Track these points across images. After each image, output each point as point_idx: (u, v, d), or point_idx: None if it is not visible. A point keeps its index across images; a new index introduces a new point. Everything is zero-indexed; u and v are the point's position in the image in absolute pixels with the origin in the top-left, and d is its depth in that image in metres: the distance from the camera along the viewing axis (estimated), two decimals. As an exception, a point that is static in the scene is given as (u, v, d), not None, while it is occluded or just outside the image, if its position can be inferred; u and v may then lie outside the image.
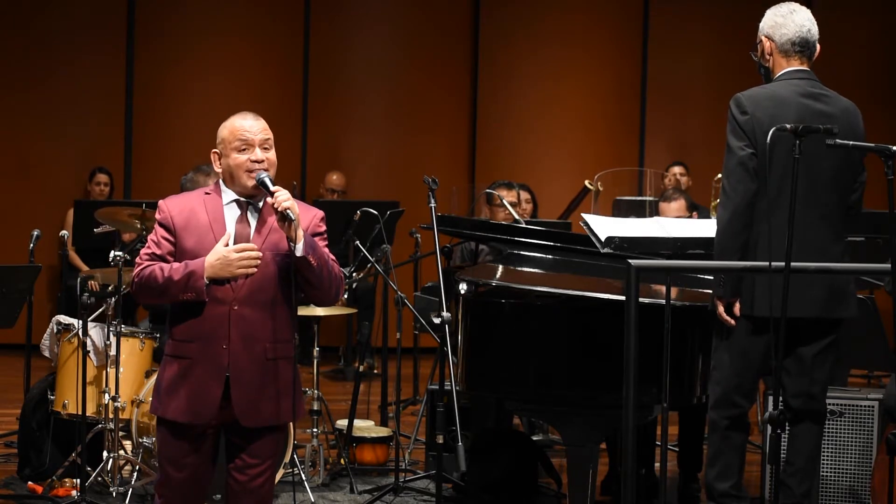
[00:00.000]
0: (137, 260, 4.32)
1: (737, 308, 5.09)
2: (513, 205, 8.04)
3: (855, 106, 5.22)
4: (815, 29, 5.18)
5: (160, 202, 4.40)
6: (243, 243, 4.25)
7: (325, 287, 4.33)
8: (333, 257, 4.41)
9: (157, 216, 4.36)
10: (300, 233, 4.19)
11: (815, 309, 5.06)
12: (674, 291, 5.56)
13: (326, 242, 4.41)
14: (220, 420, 4.32)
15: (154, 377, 6.31)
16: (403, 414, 8.23)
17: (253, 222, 4.31)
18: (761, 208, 5.03)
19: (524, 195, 9.15)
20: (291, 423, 6.24)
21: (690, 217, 7.47)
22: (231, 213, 4.32)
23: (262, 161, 4.28)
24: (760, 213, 5.04)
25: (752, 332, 5.07)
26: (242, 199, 4.31)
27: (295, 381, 4.38)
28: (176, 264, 4.25)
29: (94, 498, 6.22)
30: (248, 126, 4.31)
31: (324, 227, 4.40)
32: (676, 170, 11.12)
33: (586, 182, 9.67)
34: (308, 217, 4.36)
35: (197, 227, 4.30)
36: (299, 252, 4.19)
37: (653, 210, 8.76)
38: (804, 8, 5.23)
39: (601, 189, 9.64)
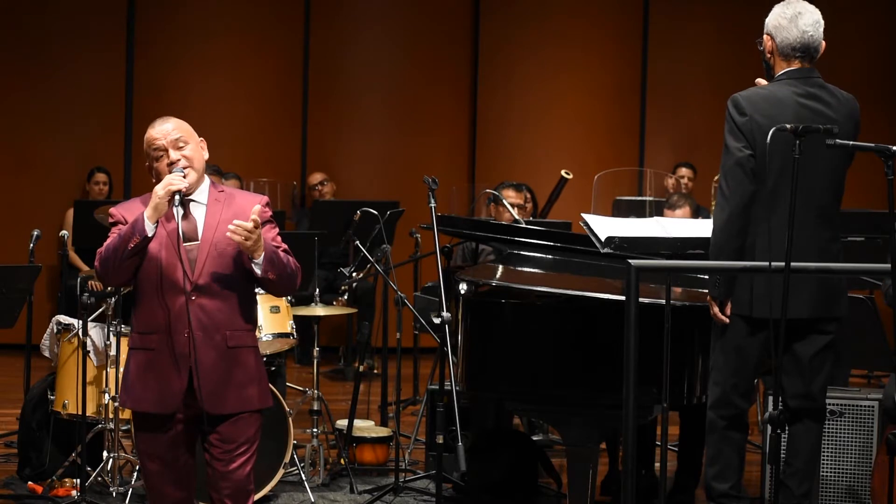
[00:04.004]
0: (98, 252, 4.39)
1: (728, 308, 5.09)
2: (519, 206, 8.04)
3: (854, 100, 5.21)
4: (818, 32, 5.14)
5: (111, 210, 4.51)
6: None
7: (281, 289, 4.55)
8: (285, 246, 4.49)
9: (110, 221, 4.45)
10: (259, 246, 4.31)
11: (810, 309, 5.06)
12: (677, 291, 5.58)
13: (276, 229, 4.50)
14: (190, 413, 4.36)
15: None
16: (403, 414, 8.23)
17: (200, 217, 4.40)
18: (757, 210, 5.02)
19: (527, 195, 9.15)
20: (290, 422, 6.29)
21: (694, 221, 7.46)
22: (177, 212, 4.36)
23: (179, 160, 4.39)
24: (758, 215, 5.03)
25: (748, 332, 5.07)
26: (181, 196, 4.35)
27: (258, 368, 4.44)
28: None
29: (94, 498, 6.23)
30: (156, 133, 4.45)
31: (269, 213, 4.49)
32: (684, 171, 11.12)
33: (563, 172, 9.65)
34: (252, 206, 4.43)
35: None
36: (259, 272, 4.35)
37: (653, 210, 8.76)
38: (812, 9, 5.15)
39: (569, 176, 9.61)
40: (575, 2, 11.96)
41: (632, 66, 12.04)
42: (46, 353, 6.79)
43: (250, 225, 4.25)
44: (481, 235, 6.59)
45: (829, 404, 5.52)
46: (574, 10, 11.91)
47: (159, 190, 4.30)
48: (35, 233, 7.32)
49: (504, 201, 7.73)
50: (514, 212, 7.57)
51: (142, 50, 11.37)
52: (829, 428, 5.77)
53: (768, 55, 5.22)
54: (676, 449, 6.59)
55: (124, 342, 6.40)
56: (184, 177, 4.34)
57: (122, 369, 6.32)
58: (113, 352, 6.35)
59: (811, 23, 5.12)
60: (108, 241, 4.36)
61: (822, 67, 5.22)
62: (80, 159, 11.09)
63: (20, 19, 11.18)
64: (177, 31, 11.45)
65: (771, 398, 5.29)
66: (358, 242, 7.03)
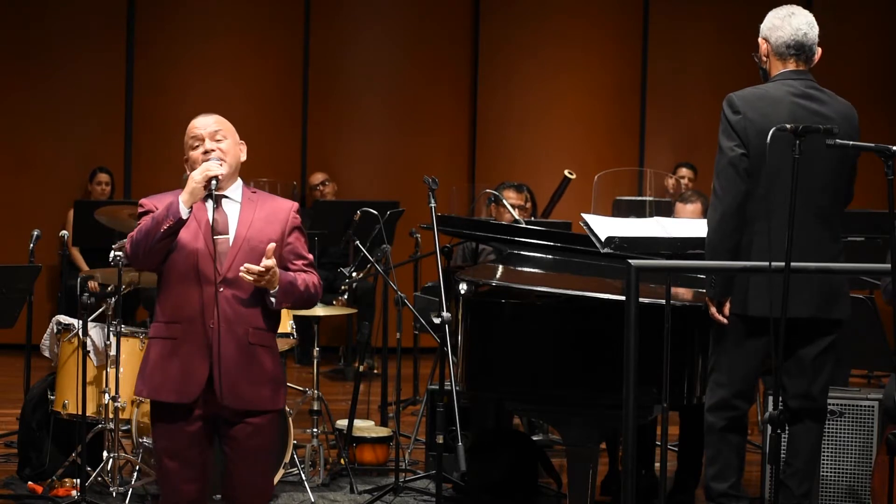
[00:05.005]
0: (129, 236, 4.42)
1: (726, 308, 5.09)
2: (520, 207, 8.04)
3: (852, 107, 5.21)
4: (812, 33, 5.15)
5: (141, 200, 4.52)
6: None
7: (299, 308, 4.80)
8: (310, 257, 4.54)
9: (140, 210, 4.47)
10: (273, 282, 4.35)
11: (810, 309, 5.05)
12: (682, 291, 5.58)
13: (304, 237, 4.55)
14: (209, 409, 4.37)
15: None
16: (403, 414, 8.23)
17: (233, 213, 4.44)
18: (754, 209, 5.02)
19: (527, 196, 9.14)
20: (290, 423, 6.29)
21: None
22: (209, 207, 4.42)
23: (214, 150, 4.45)
24: (753, 214, 5.03)
25: (748, 333, 5.06)
26: (215, 192, 4.39)
27: (274, 371, 4.47)
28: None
29: (94, 498, 6.22)
30: (197, 123, 4.53)
31: (299, 220, 4.55)
32: (684, 171, 11.11)
33: (566, 172, 9.65)
34: (284, 210, 4.51)
35: None
36: (273, 303, 4.39)
37: (653, 210, 8.75)
38: (805, 11, 5.19)
39: (572, 176, 9.59)
40: (575, 2, 11.96)
41: (632, 66, 12.04)
42: (46, 353, 6.79)
43: (261, 269, 4.28)
44: (481, 235, 6.59)
45: (829, 404, 5.52)
46: (574, 10, 11.91)
47: (196, 175, 4.34)
48: (35, 233, 7.32)
49: (504, 201, 7.73)
50: (515, 212, 7.57)
51: (142, 50, 11.36)
52: (829, 428, 5.77)
53: (764, 59, 5.23)
54: (676, 449, 6.59)
55: (124, 342, 6.40)
56: (219, 165, 4.38)
57: (122, 369, 6.35)
58: (113, 352, 6.34)
59: (805, 22, 5.15)
60: (141, 224, 4.38)
61: (822, 67, 5.23)
62: (81, 159, 11.09)
63: (20, 19, 11.17)
64: (177, 31, 11.45)
65: (771, 398, 5.29)
66: (358, 242, 7.03)
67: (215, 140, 4.46)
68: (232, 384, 4.33)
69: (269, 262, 4.29)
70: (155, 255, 4.35)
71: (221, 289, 4.34)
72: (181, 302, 4.37)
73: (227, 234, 4.41)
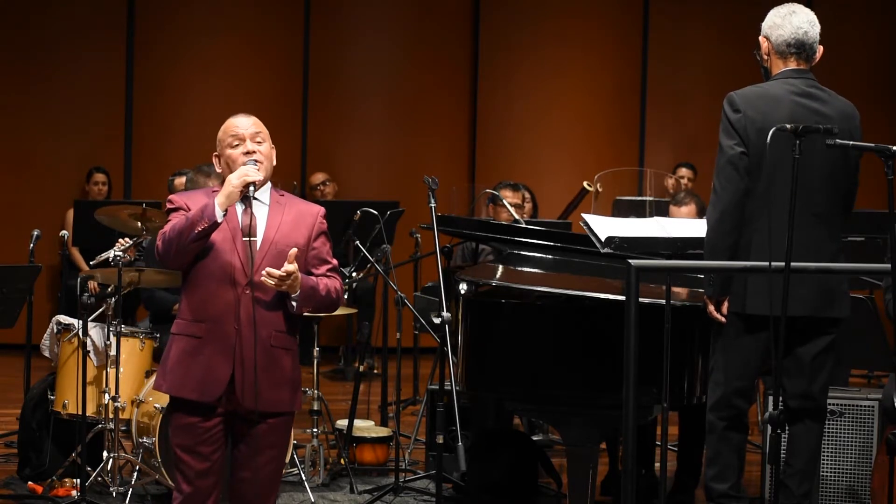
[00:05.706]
0: (160, 232, 4.41)
1: (724, 307, 5.09)
2: (516, 206, 8.05)
3: (853, 107, 5.20)
4: (813, 31, 5.15)
5: (171, 196, 4.54)
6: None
7: (321, 311, 4.84)
8: (335, 262, 4.57)
9: (170, 206, 4.48)
10: (295, 286, 4.37)
11: (806, 308, 5.05)
12: (682, 291, 5.58)
13: (329, 243, 4.58)
14: (227, 407, 4.40)
15: (154, 377, 6.32)
16: (403, 414, 8.23)
17: (262, 216, 4.45)
18: (753, 207, 5.02)
19: (524, 195, 9.14)
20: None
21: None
22: (238, 208, 4.43)
23: (254, 152, 4.45)
24: (752, 212, 5.03)
25: (747, 332, 5.06)
26: (255, 188, 4.41)
27: (293, 373, 4.48)
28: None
29: (94, 498, 6.22)
30: (238, 123, 4.51)
31: (325, 225, 4.57)
32: (684, 171, 11.12)
33: (585, 183, 9.67)
34: (312, 214, 4.53)
35: None
36: (294, 306, 4.42)
37: (653, 210, 8.75)
38: (806, 10, 5.19)
39: (600, 190, 9.63)
40: (575, 2, 11.97)
41: (632, 66, 12.05)
42: (46, 353, 6.79)
43: (282, 273, 4.29)
44: (481, 235, 6.60)
45: (829, 404, 5.52)
46: (574, 10, 11.92)
47: (234, 179, 4.35)
48: (35, 233, 7.32)
49: (504, 201, 7.74)
50: (514, 211, 7.57)
51: (142, 50, 11.37)
52: (829, 428, 5.77)
53: (765, 57, 5.22)
54: (676, 449, 6.59)
55: (124, 342, 6.40)
56: (257, 170, 4.39)
57: (122, 369, 6.35)
58: (113, 352, 6.34)
59: (805, 21, 5.14)
60: (173, 222, 4.38)
61: (823, 66, 5.22)
62: (80, 159, 11.09)
63: (20, 19, 11.18)
64: (177, 31, 11.46)
65: (771, 398, 5.29)
66: (358, 242, 7.04)
67: (256, 142, 4.47)
68: (253, 387, 4.33)
69: (290, 267, 4.30)
70: (186, 256, 4.37)
71: (248, 291, 4.36)
72: (207, 301, 4.39)
73: (256, 236, 4.42)
